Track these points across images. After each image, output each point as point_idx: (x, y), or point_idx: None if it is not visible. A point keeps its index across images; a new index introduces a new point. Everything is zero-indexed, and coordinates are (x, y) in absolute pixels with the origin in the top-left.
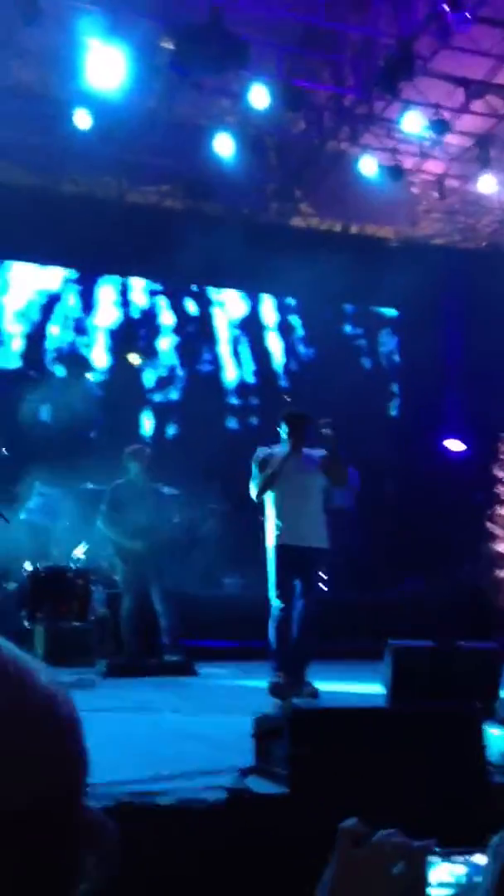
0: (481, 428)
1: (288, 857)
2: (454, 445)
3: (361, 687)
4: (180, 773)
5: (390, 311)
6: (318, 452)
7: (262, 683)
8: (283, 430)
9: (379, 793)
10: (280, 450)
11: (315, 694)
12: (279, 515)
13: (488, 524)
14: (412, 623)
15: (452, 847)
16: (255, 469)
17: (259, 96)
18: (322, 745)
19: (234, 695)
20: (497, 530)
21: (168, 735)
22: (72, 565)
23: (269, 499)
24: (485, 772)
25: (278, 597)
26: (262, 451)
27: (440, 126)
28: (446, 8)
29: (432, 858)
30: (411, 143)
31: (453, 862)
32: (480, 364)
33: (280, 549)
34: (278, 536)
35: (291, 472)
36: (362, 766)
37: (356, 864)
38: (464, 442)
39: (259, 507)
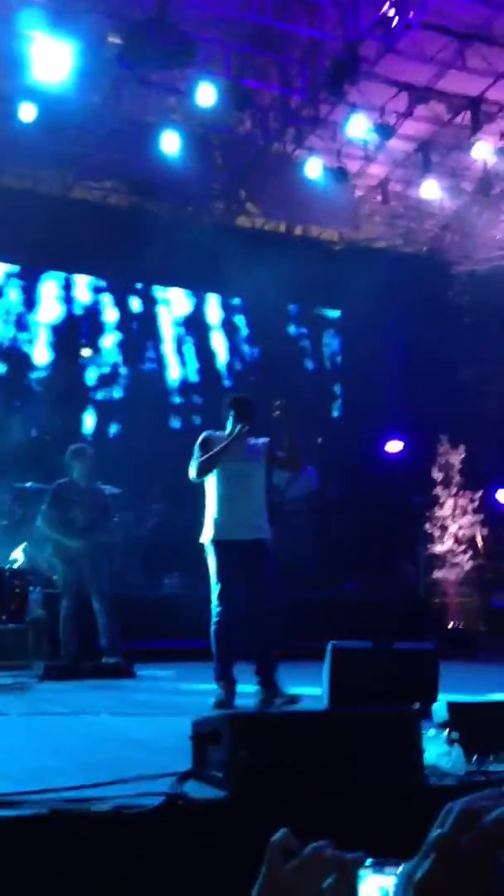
0: (421, 430)
1: (225, 863)
2: (394, 447)
3: (301, 689)
4: (117, 778)
5: (334, 313)
6: (262, 441)
7: (203, 686)
8: (230, 415)
9: (317, 797)
10: (224, 435)
11: (294, 700)
12: (218, 507)
13: (427, 525)
14: (350, 623)
15: (385, 857)
16: (197, 451)
17: (206, 95)
18: (261, 750)
19: (174, 697)
20: (435, 531)
21: (105, 739)
22: (8, 566)
23: (208, 489)
24: (421, 775)
25: (218, 599)
26: (207, 433)
27: (384, 130)
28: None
29: (363, 871)
30: (356, 147)
31: (385, 874)
32: (421, 366)
33: (218, 545)
34: (216, 531)
35: (232, 461)
36: (301, 771)
37: (285, 880)
38: (404, 444)
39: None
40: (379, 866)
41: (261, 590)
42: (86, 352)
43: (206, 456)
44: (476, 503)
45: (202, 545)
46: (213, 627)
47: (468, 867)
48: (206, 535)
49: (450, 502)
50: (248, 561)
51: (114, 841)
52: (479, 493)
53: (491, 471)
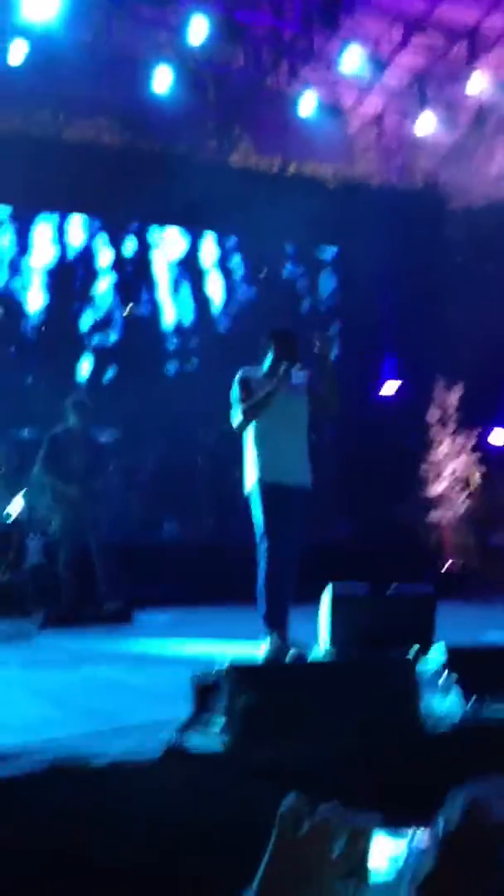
0: (416, 371)
1: (226, 813)
2: (390, 388)
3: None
4: (117, 727)
5: (329, 252)
6: (301, 375)
7: (202, 630)
8: (269, 350)
9: (315, 745)
10: (262, 373)
11: (303, 654)
12: (263, 447)
13: (423, 467)
14: (346, 566)
15: (397, 818)
16: (236, 393)
17: (198, 29)
18: (261, 700)
19: (174, 644)
20: (431, 473)
21: (105, 688)
22: (6, 515)
23: (251, 428)
24: (419, 720)
25: (268, 542)
26: (245, 372)
27: (379, 63)
28: None
29: (375, 833)
30: (350, 81)
31: (398, 837)
32: (417, 306)
33: (265, 486)
34: (262, 472)
35: (276, 400)
36: (300, 719)
37: (295, 849)
38: (401, 384)
39: (210, 446)
40: (391, 829)
41: (293, 541)
42: (128, 309)
43: (251, 402)
44: (473, 442)
45: (248, 490)
46: (264, 570)
47: (474, 864)
48: (251, 478)
49: (447, 441)
50: (291, 508)
51: (114, 793)
52: (476, 432)
53: (486, 410)
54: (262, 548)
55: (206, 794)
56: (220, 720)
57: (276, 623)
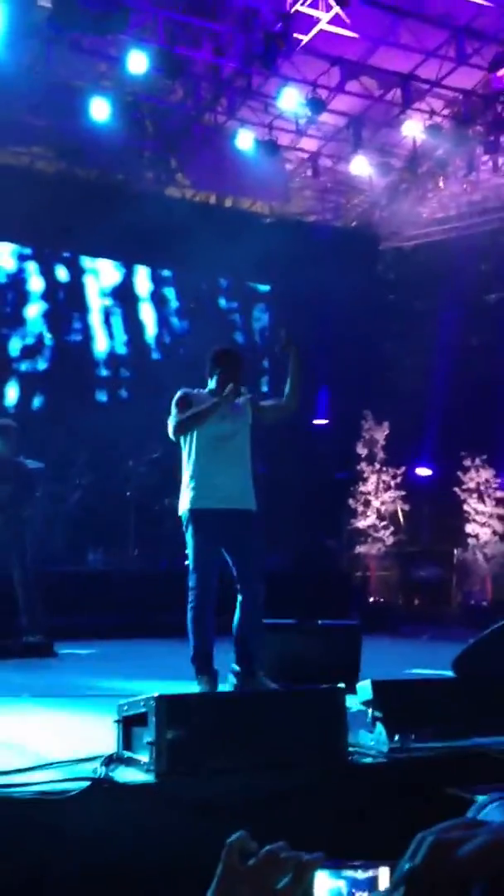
0: (347, 406)
1: (154, 846)
2: (319, 422)
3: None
4: (41, 763)
5: (264, 287)
6: (242, 398)
7: (127, 663)
8: (215, 372)
9: (243, 776)
10: (205, 393)
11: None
12: (197, 472)
13: (350, 501)
14: (274, 598)
15: (342, 860)
16: (174, 408)
17: (137, 61)
18: (188, 731)
19: (97, 678)
20: (358, 507)
21: (27, 723)
22: None
23: (185, 452)
24: (346, 752)
25: (195, 577)
26: (184, 391)
27: (316, 104)
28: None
29: (319, 872)
30: (287, 120)
31: (340, 877)
32: (347, 342)
33: (195, 514)
34: (193, 499)
35: (214, 424)
36: (228, 751)
37: (240, 880)
38: (329, 420)
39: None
40: (336, 869)
41: (246, 567)
42: None
43: (190, 412)
44: (399, 479)
45: (180, 516)
46: (189, 614)
47: None
48: (184, 504)
49: (373, 478)
50: (231, 535)
51: (38, 826)
52: (402, 469)
53: (412, 447)
54: (189, 582)
55: (133, 826)
56: (146, 753)
57: (203, 668)
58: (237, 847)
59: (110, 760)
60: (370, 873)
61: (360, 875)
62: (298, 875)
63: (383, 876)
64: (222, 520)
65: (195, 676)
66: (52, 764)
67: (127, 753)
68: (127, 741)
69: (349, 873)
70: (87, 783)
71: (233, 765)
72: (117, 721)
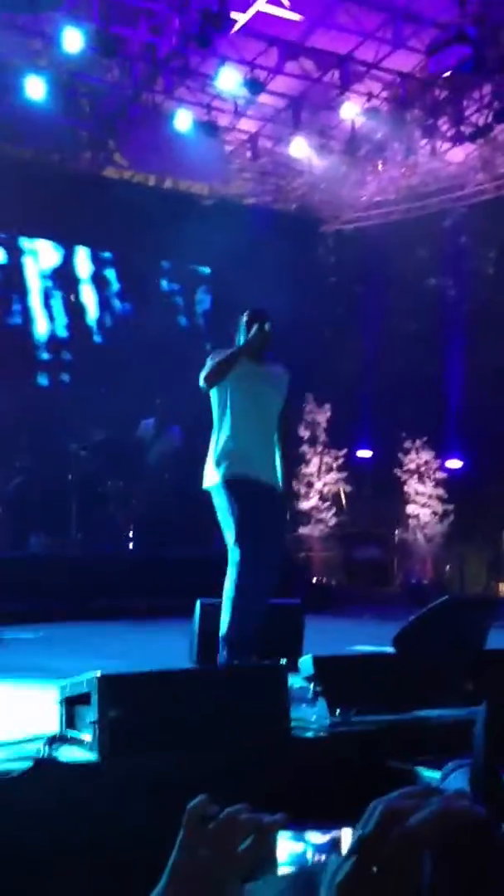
0: (289, 389)
1: (99, 825)
2: None
3: (170, 645)
4: None
5: (204, 269)
6: (279, 370)
7: (69, 647)
8: (242, 327)
9: (187, 753)
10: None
11: None
12: (233, 435)
13: (293, 483)
14: (219, 580)
15: (304, 821)
16: (208, 360)
17: (73, 40)
18: (131, 709)
19: (40, 661)
20: (301, 488)
21: None
22: None
23: (218, 413)
24: (289, 728)
25: (242, 550)
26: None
27: (254, 85)
28: None
29: (281, 834)
30: (226, 101)
31: (301, 839)
32: (287, 324)
33: (234, 481)
34: (229, 465)
35: (251, 382)
36: (172, 729)
37: (201, 844)
38: None
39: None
40: (298, 831)
41: (272, 550)
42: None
43: (224, 355)
44: (340, 461)
45: (210, 488)
46: (234, 590)
47: (392, 869)
48: (217, 472)
49: (315, 460)
50: (265, 510)
51: None
52: (344, 452)
53: (353, 429)
54: (234, 556)
55: (77, 806)
56: (90, 732)
57: (242, 649)
58: (198, 811)
59: (53, 740)
60: (332, 835)
61: (322, 839)
62: (260, 837)
63: (346, 837)
64: (260, 492)
65: (226, 657)
66: None
67: (71, 733)
68: (70, 721)
69: (311, 836)
70: (30, 763)
71: (175, 742)
72: (60, 702)
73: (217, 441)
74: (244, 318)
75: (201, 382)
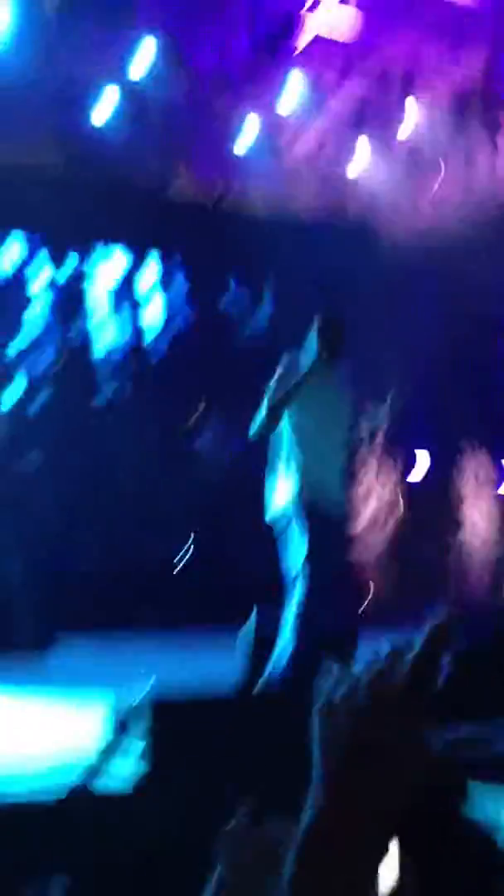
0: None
1: (144, 843)
2: None
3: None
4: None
5: (266, 282)
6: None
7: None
8: (312, 342)
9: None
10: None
11: None
12: (303, 454)
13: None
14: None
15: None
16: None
17: (142, 56)
18: (174, 737)
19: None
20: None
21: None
22: None
23: (284, 431)
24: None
25: (304, 581)
26: (287, 361)
27: (316, 101)
28: None
29: None
30: (289, 117)
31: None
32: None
33: (305, 504)
34: (301, 488)
35: (321, 396)
36: (215, 755)
37: (246, 858)
38: None
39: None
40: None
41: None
42: None
43: (274, 400)
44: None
45: (274, 517)
46: (300, 617)
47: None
48: (285, 495)
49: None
50: (333, 538)
51: (29, 834)
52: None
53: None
54: (297, 588)
55: (124, 826)
56: (134, 756)
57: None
58: (235, 831)
59: (100, 760)
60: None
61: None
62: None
63: None
64: (328, 516)
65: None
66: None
67: (117, 754)
68: (117, 742)
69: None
70: (76, 783)
71: (222, 767)
72: (111, 722)
73: (285, 462)
74: (315, 325)
75: (252, 433)
